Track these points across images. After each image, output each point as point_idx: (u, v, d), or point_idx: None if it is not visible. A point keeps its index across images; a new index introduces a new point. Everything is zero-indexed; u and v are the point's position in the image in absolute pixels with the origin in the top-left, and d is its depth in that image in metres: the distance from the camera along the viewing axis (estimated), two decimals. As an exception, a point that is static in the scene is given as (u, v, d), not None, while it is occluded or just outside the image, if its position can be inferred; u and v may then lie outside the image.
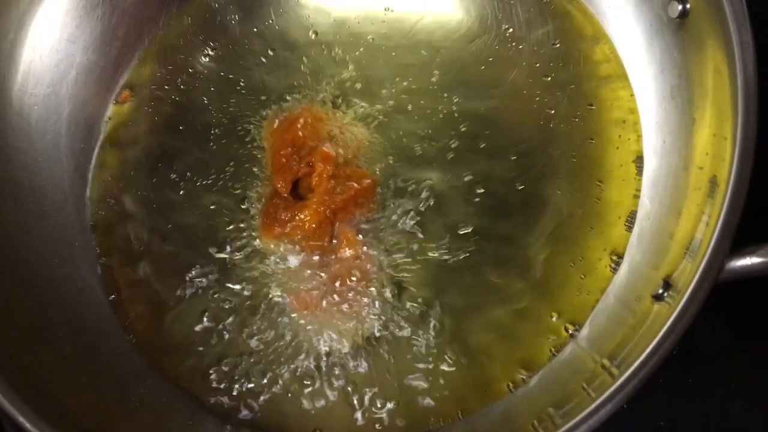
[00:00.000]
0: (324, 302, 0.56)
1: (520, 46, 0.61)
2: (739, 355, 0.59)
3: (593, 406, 0.43)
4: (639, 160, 0.56)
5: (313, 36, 0.65)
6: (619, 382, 0.43)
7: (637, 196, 0.55)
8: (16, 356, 0.49)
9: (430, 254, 0.57)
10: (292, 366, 0.55)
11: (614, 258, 0.55)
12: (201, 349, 0.56)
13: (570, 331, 0.54)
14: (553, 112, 0.59)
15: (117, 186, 0.62)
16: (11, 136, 0.58)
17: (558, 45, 0.61)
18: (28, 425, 0.45)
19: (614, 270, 0.54)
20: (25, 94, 0.60)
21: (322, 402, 0.54)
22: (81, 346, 0.55)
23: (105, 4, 0.63)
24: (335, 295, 0.56)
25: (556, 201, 0.57)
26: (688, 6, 0.51)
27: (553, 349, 0.54)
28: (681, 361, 0.57)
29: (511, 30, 0.62)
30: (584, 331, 0.53)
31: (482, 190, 0.58)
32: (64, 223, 0.60)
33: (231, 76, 0.64)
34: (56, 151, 0.61)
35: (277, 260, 0.58)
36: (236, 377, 0.55)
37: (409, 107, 0.61)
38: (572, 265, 0.55)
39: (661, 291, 0.47)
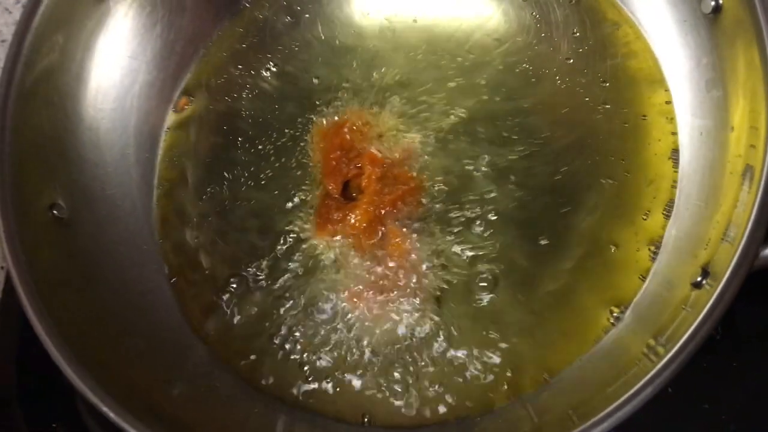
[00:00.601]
0: (375, 296, 0.59)
1: (558, 46, 0.63)
2: (781, 338, 0.60)
3: (638, 385, 0.45)
4: (675, 152, 0.58)
5: (358, 41, 0.67)
6: (660, 364, 0.45)
7: (674, 187, 0.57)
8: (97, 352, 0.53)
9: (477, 247, 0.59)
10: (345, 356, 0.58)
11: (652, 248, 0.56)
12: (259, 339, 0.60)
13: (615, 314, 0.55)
14: (592, 105, 0.61)
15: (178, 190, 0.66)
16: (83, 149, 0.62)
17: (593, 43, 0.63)
18: (112, 415, 0.48)
19: (653, 259, 0.56)
20: (94, 110, 0.63)
21: (373, 390, 0.57)
22: (152, 341, 0.58)
23: (163, 22, 0.66)
24: (386, 289, 0.59)
25: (596, 193, 0.59)
26: (720, 1, 0.52)
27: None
28: (724, 345, 0.58)
29: (548, 30, 0.64)
30: (627, 318, 0.55)
31: (525, 183, 0.60)
32: (134, 228, 0.63)
33: (281, 82, 0.68)
34: (124, 161, 0.64)
35: (330, 257, 0.61)
36: (294, 366, 0.58)
37: (452, 108, 0.63)
38: (612, 255, 0.57)
39: (699, 279, 0.48)
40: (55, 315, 0.52)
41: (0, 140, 0.55)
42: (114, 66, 0.65)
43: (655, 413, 0.55)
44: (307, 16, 0.69)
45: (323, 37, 0.69)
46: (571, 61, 0.63)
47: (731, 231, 0.47)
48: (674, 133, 0.58)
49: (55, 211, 0.58)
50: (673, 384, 0.54)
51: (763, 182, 0.45)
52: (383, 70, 0.66)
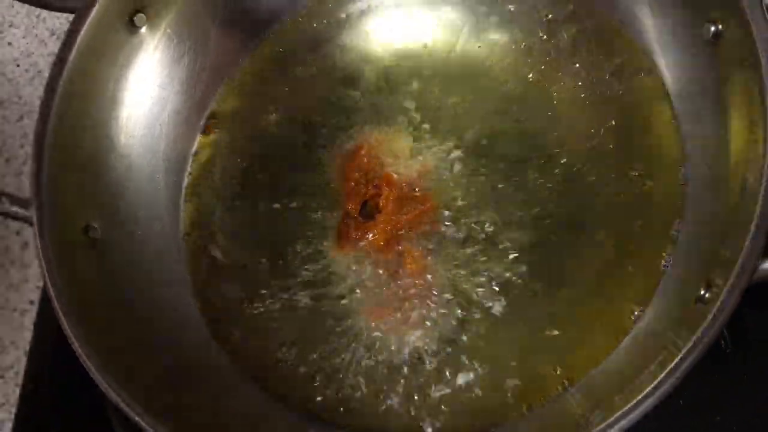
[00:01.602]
0: (394, 313, 0.61)
1: (570, 71, 0.66)
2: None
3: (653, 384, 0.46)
4: (684, 167, 0.59)
5: (375, 67, 0.70)
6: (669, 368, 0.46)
7: (681, 203, 0.58)
8: (128, 365, 0.55)
9: (494, 264, 0.61)
10: (362, 372, 0.60)
11: (662, 262, 0.57)
12: (281, 355, 0.61)
13: (636, 312, 0.57)
14: (601, 125, 0.63)
15: (203, 213, 0.68)
16: (115, 174, 0.64)
17: (604, 66, 0.65)
18: (144, 425, 0.50)
19: (664, 271, 0.57)
20: (126, 137, 0.66)
21: (387, 403, 0.59)
22: (180, 358, 0.60)
23: (190, 54, 0.69)
24: (405, 307, 0.61)
25: (607, 213, 0.61)
26: (720, 27, 0.54)
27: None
28: (735, 356, 0.59)
29: (559, 56, 0.66)
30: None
31: (542, 201, 0.62)
32: (163, 249, 0.65)
33: (301, 106, 0.70)
34: (154, 185, 0.67)
35: (350, 275, 0.63)
36: (315, 381, 0.60)
37: (466, 130, 0.66)
38: (628, 264, 0.59)
39: (703, 292, 0.50)
40: (88, 329, 0.54)
41: (38, 167, 0.57)
42: (144, 95, 0.67)
43: (666, 426, 0.57)
44: (325, 43, 0.72)
45: (341, 63, 0.71)
46: (582, 84, 0.65)
47: (732, 244, 0.48)
48: (683, 153, 0.60)
49: (89, 233, 0.60)
50: (684, 396, 0.56)
51: (760, 196, 0.46)
52: (399, 94, 0.68)
